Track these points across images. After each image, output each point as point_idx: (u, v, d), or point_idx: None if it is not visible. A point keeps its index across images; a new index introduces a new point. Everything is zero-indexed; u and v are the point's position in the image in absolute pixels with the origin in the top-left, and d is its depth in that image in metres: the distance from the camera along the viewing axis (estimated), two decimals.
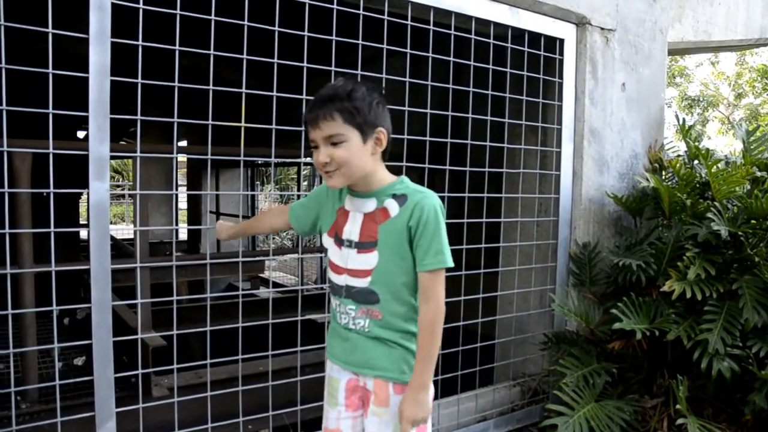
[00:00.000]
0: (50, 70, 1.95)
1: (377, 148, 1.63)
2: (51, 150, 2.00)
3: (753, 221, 2.92)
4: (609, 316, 2.98)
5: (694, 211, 3.13)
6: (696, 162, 3.44)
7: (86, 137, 2.07)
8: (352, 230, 1.68)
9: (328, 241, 1.76)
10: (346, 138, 1.57)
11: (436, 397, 2.99)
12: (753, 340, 2.75)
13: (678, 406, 2.65)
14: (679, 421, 2.64)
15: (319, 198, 1.82)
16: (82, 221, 7.97)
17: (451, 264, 1.63)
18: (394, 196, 1.66)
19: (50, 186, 2.02)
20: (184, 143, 10.11)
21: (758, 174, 3.20)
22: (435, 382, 2.92)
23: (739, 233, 2.89)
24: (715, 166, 3.09)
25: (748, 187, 3.20)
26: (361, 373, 1.73)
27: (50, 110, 1.97)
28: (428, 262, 1.61)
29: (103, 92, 2.04)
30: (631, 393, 3.05)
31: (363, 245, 1.66)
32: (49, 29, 1.92)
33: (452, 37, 2.87)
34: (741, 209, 2.97)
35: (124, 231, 12.19)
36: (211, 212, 9.32)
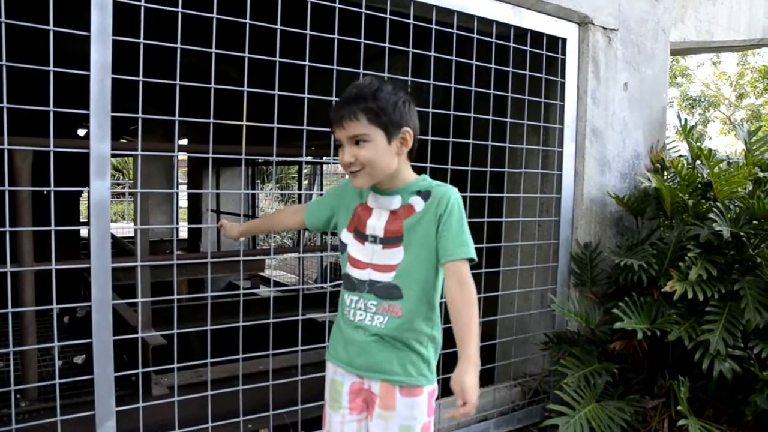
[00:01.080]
0: (51, 67, 1.94)
1: (403, 147, 1.64)
2: (52, 148, 1.99)
3: (755, 222, 2.92)
4: (610, 317, 2.97)
5: (696, 211, 3.13)
6: (698, 162, 3.44)
7: (86, 135, 2.07)
8: (376, 226, 1.68)
9: (347, 237, 1.74)
10: (371, 138, 1.57)
11: (437, 397, 2.99)
12: (754, 341, 2.74)
13: (679, 407, 2.65)
14: (680, 422, 2.64)
15: (339, 195, 1.81)
16: (82, 219, 7.97)
17: (474, 257, 1.63)
18: (419, 193, 1.67)
19: (51, 184, 2.01)
20: (184, 141, 10.11)
21: (760, 174, 3.19)
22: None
23: (741, 234, 2.89)
24: (717, 167, 3.09)
25: (750, 187, 3.19)
26: (366, 376, 1.71)
27: (51, 108, 1.96)
28: (456, 252, 1.60)
29: (105, 90, 2.04)
30: (632, 393, 3.04)
31: (388, 240, 1.66)
32: (50, 27, 1.92)
33: (454, 36, 2.86)
34: (743, 210, 2.96)
35: (124, 229, 12.19)
36: (212, 211, 9.32)
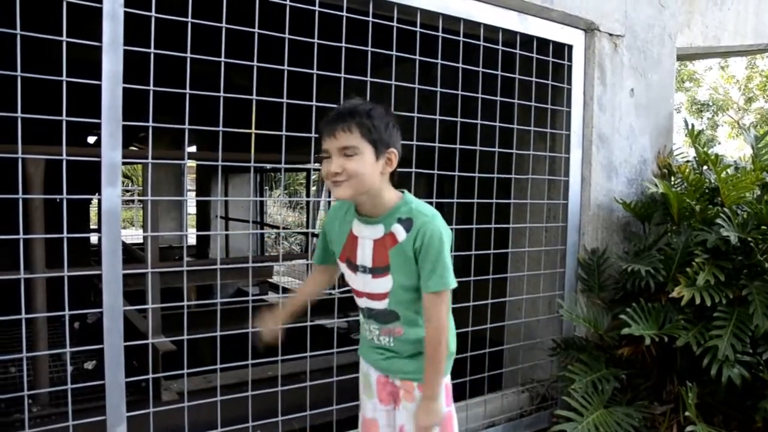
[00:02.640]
0: (64, 77, 1.97)
1: (387, 167, 1.68)
2: (64, 156, 2.02)
3: (763, 227, 2.91)
4: (618, 322, 2.97)
5: (704, 216, 3.12)
6: (705, 167, 3.43)
7: (96, 143, 2.10)
8: (363, 256, 1.74)
9: (342, 266, 1.85)
10: (360, 151, 1.61)
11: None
12: (764, 347, 2.74)
13: (687, 413, 2.64)
14: (689, 428, 2.63)
15: (329, 230, 1.89)
16: (91, 226, 8.03)
17: (453, 286, 1.70)
18: (400, 221, 1.70)
19: (62, 192, 2.04)
20: (193, 149, 10.17)
21: None
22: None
23: (749, 239, 2.88)
24: (724, 172, 3.09)
25: (758, 192, 3.19)
26: (390, 375, 1.86)
27: (64, 117, 1.99)
28: (431, 284, 1.68)
29: (116, 99, 2.07)
30: (640, 399, 3.03)
31: (377, 270, 1.73)
32: (63, 38, 1.95)
33: (461, 43, 2.88)
34: (751, 215, 2.96)
35: (134, 236, 12.25)
36: (221, 218, 9.36)
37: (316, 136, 2.58)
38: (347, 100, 1.72)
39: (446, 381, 1.86)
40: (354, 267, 1.77)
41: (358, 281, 1.79)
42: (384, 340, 1.82)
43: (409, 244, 1.67)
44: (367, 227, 1.73)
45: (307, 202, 9.93)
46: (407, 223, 1.68)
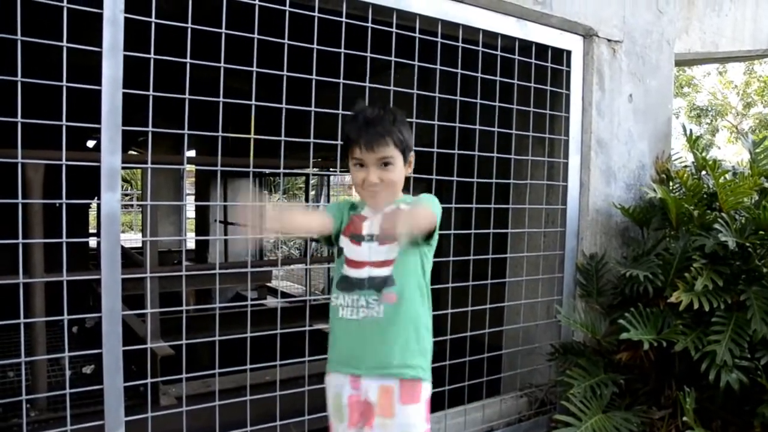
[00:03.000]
0: (64, 83, 1.98)
1: (408, 169, 1.84)
2: (64, 161, 2.03)
3: (761, 232, 2.92)
4: (616, 327, 2.97)
5: (702, 222, 3.13)
6: (703, 173, 3.44)
7: (95, 147, 2.10)
8: (372, 226, 1.79)
9: (344, 241, 1.84)
10: (395, 161, 1.74)
11: (443, 407, 3.00)
12: (762, 352, 2.74)
13: (686, 418, 2.64)
14: None
15: (341, 206, 1.92)
16: (90, 230, 8.02)
17: (438, 212, 1.76)
18: (406, 203, 1.81)
19: (62, 196, 2.04)
20: (192, 153, 10.18)
21: (766, 185, 3.19)
22: (442, 393, 2.94)
23: (747, 244, 2.89)
24: (722, 177, 3.10)
25: (756, 198, 3.20)
26: (365, 377, 1.77)
27: (64, 122, 1.99)
28: (425, 203, 1.73)
29: (116, 104, 2.08)
30: (638, 404, 3.04)
31: (373, 239, 1.79)
32: (64, 43, 1.96)
33: (460, 49, 2.89)
34: (749, 220, 2.96)
35: (132, 240, 12.24)
36: (220, 222, 9.36)
37: (315, 141, 2.59)
38: (365, 107, 1.79)
39: (428, 392, 1.82)
40: (359, 238, 1.81)
41: (362, 251, 1.80)
42: (375, 311, 1.75)
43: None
44: (376, 211, 1.81)
45: (306, 207, 9.92)
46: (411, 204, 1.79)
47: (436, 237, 1.82)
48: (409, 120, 2.72)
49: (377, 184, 1.72)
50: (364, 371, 1.78)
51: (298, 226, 1.78)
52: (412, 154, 1.83)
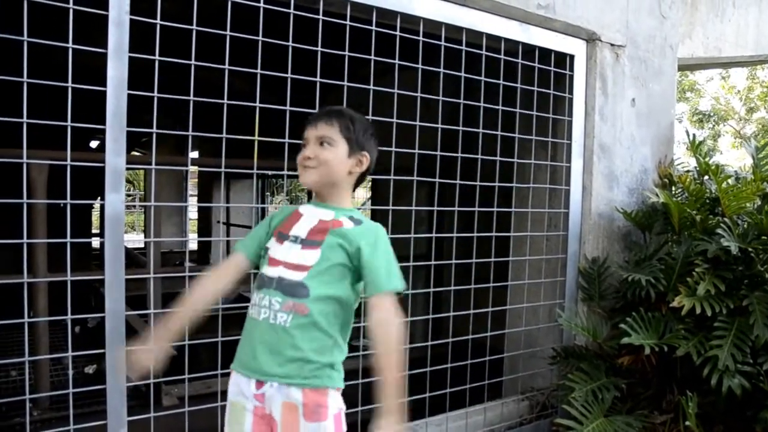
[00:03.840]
0: (69, 84, 1.99)
1: (356, 168, 1.77)
2: (69, 162, 2.04)
3: (763, 237, 2.92)
4: (618, 331, 2.97)
5: (704, 226, 3.13)
6: (706, 177, 3.44)
7: (99, 148, 2.11)
8: (300, 228, 1.72)
9: (271, 242, 1.76)
10: (335, 143, 1.72)
11: (444, 411, 3.00)
12: (764, 357, 2.74)
13: (688, 423, 2.64)
14: None
15: (271, 218, 1.84)
16: (93, 230, 8.04)
17: (403, 288, 1.67)
18: (351, 218, 1.73)
19: (65, 196, 2.05)
20: (195, 154, 10.20)
21: None
22: (443, 396, 2.95)
23: (750, 249, 2.89)
24: (725, 182, 3.10)
25: (759, 202, 3.20)
26: (268, 383, 1.62)
27: (69, 123, 2.00)
28: (384, 283, 1.62)
29: (121, 106, 2.08)
30: (640, 409, 3.03)
31: (308, 242, 1.69)
32: (69, 44, 1.97)
33: (463, 52, 2.90)
34: (751, 225, 2.96)
35: (134, 240, 12.27)
36: (223, 223, 9.38)
37: None
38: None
39: (338, 407, 1.69)
40: (283, 237, 1.72)
41: (280, 250, 1.70)
42: (281, 318, 1.61)
43: (356, 238, 1.65)
44: (318, 209, 1.76)
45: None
46: (357, 221, 1.72)
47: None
48: (412, 123, 2.75)
49: (310, 159, 1.71)
50: (267, 378, 1.62)
51: (180, 327, 1.70)
52: (365, 155, 1.77)
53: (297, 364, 1.61)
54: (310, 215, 1.75)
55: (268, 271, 1.70)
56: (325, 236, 1.68)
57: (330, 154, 1.71)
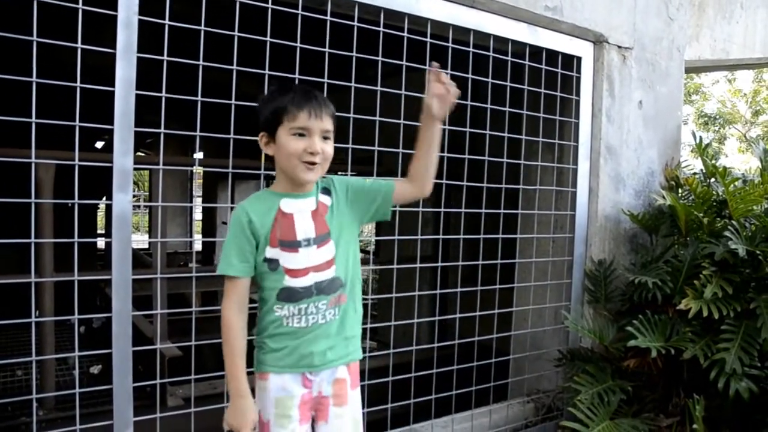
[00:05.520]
0: (78, 84, 1.99)
1: None
2: (77, 162, 2.04)
3: None
4: (624, 334, 2.96)
5: (711, 229, 3.12)
6: (713, 180, 3.43)
7: (104, 148, 2.12)
8: (303, 229, 1.71)
9: (274, 252, 1.69)
10: (332, 137, 1.71)
11: (449, 412, 3.00)
12: None
13: (695, 426, 2.63)
14: None
15: (246, 230, 1.68)
16: (97, 231, 8.06)
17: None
18: (323, 190, 1.78)
19: (75, 197, 2.05)
20: (200, 155, 10.22)
21: None
22: (449, 397, 2.94)
23: (757, 252, 2.87)
24: (732, 185, 3.08)
25: (766, 205, 3.19)
26: (322, 372, 1.74)
27: (77, 123, 2.01)
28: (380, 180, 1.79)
29: (129, 106, 2.08)
30: (646, 411, 3.02)
31: (320, 238, 1.72)
32: (78, 44, 1.97)
33: (470, 54, 2.90)
34: (759, 228, 2.95)
35: (139, 241, 12.29)
36: (227, 224, 9.39)
37: None
38: (304, 86, 1.76)
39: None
40: (292, 245, 1.69)
41: (301, 258, 1.69)
42: (330, 315, 1.72)
43: (336, 199, 1.76)
44: (299, 200, 1.73)
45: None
46: (326, 190, 1.77)
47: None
48: (419, 124, 2.74)
49: (319, 154, 1.64)
50: (317, 367, 1.73)
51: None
52: None
53: (344, 345, 1.77)
54: (301, 211, 1.72)
55: (295, 282, 1.69)
56: (327, 225, 1.74)
57: (331, 149, 1.70)
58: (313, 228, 1.71)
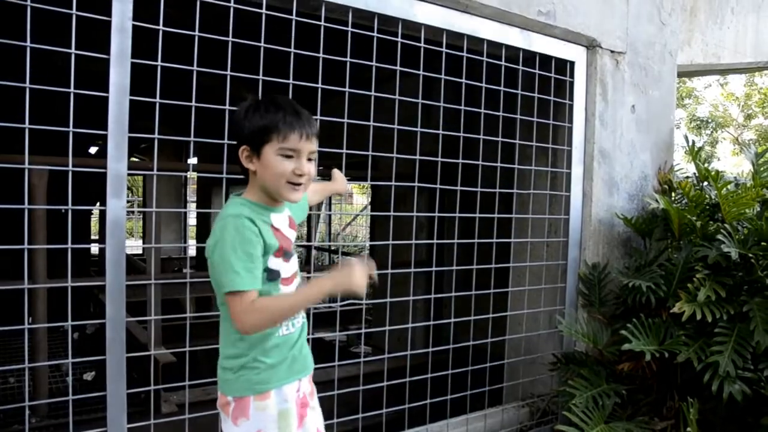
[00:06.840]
0: (72, 89, 1.99)
1: None
2: (70, 168, 2.04)
3: (763, 243, 2.92)
4: (618, 337, 2.97)
5: (704, 232, 3.14)
6: (705, 183, 3.45)
7: (98, 153, 2.11)
8: (288, 242, 1.75)
9: (276, 263, 1.69)
10: (316, 158, 1.74)
11: (444, 417, 3.00)
12: (765, 363, 2.73)
13: (689, 429, 2.64)
14: None
15: (256, 237, 1.62)
16: (90, 237, 8.03)
17: None
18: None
19: (65, 202, 2.05)
20: (194, 160, 10.20)
21: None
22: (444, 402, 2.94)
23: (750, 255, 2.89)
24: (724, 188, 3.10)
25: (758, 208, 3.20)
26: (309, 371, 1.85)
27: (71, 129, 2.00)
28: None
29: (122, 111, 2.08)
30: (640, 415, 3.03)
31: (293, 252, 1.79)
32: (72, 50, 1.97)
33: (464, 59, 2.91)
34: (751, 231, 2.97)
35: (132, 246, 12.25)
36: None
37: (321, 150, 2.60)
38: (291, 101, 1.70)
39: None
40: (289, 255, 1.74)
41: (290, 267, 1.74)
42: (299, 322, 1.80)
43: (290, 208, 1.81)
44: (279, 215, 1.75)
45: (308, 215, 9.93)
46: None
47: None
48: (413, 129, 2.76)
49: (306, 176, 1.65)
50: (306, 373, 1.84)
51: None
52: None
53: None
54: (283, 224, 1.75)
55: (286, 289, 1.74)
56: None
57: (314, 169, 1.71)
58: (291, 243, 1.77)
